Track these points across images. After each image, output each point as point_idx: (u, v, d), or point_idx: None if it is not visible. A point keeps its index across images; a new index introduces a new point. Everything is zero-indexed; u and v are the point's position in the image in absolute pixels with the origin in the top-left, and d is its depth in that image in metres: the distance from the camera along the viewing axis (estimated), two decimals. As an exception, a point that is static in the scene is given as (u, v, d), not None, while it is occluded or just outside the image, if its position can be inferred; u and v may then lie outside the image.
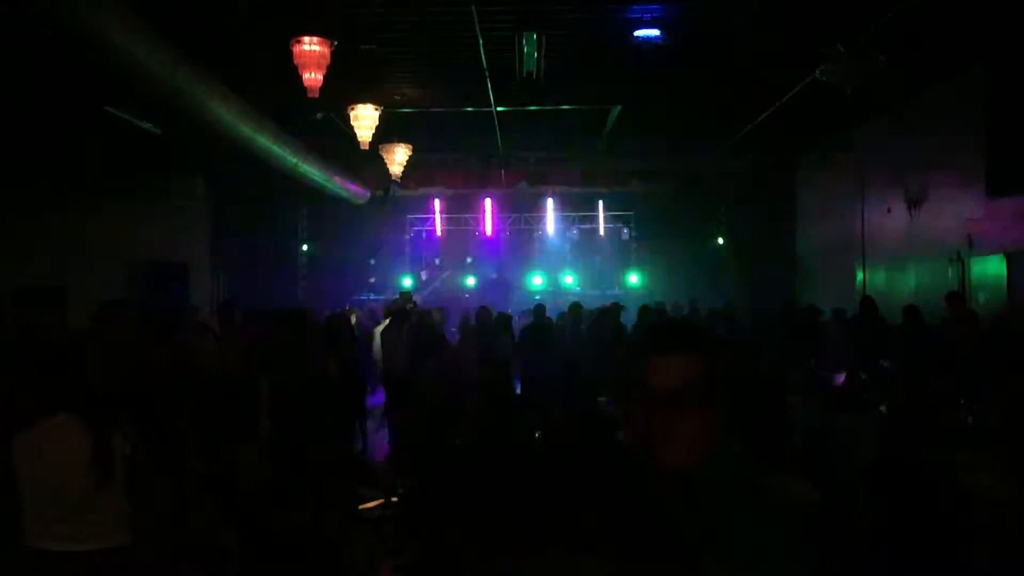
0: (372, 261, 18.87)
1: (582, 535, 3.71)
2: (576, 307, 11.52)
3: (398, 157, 12.79)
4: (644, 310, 11.40)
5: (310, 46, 7.78)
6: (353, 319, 12.86)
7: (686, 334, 1.69)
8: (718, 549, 1.50)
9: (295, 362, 7.36)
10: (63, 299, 13.42)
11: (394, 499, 7.26)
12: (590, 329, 11.11)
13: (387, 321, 10.95)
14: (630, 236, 19.56)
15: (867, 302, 10.29)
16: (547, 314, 11.49)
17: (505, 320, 10.78)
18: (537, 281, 18.86)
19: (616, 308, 11.81)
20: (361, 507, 7.41)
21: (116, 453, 3.37)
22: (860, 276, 13.21)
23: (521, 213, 19.69)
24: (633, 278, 18.83)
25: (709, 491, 1.57)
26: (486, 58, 9.36)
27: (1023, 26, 8.42)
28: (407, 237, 19.86)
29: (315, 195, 15.37)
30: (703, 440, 1.59)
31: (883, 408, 5.87)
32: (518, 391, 9.67)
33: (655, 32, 8.41)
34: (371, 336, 10.86)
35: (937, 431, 4.71)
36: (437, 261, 19.76)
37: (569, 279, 19.34)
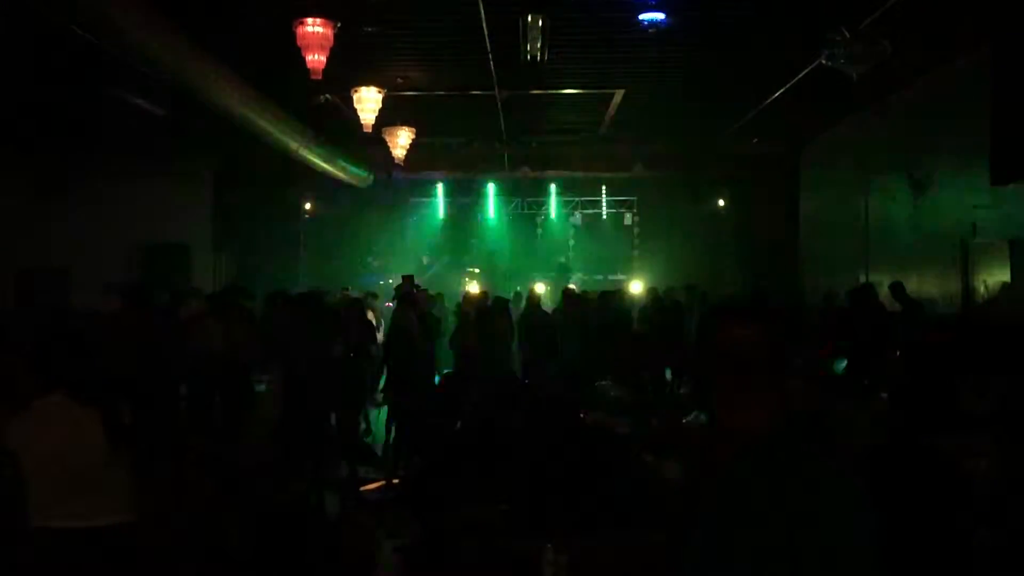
0: (372, 260, 18.85)
1: (584, 516, 3.73)
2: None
3: (401, 140, 12.77)
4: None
5: (313, 28, 7.75)
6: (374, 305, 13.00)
7: (759, 307, 1.84)
8: (789, 513, 1.58)
9: (304, 346, 7.40)
10: (65, 280, 13.51)
11: (395, 481, 7.29)
12: (594, 313, 11.15)
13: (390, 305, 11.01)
14: (633, 221, 19.54)
15: (865, 289, 10.27)
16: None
17: (502, 305, 10.82)
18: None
19: (619, 293, 11.84)
20: (362, 489, 7.45)
21: (124, 421, 3.40)
22: (864, 263, 13.19)
23: (524, 198, 19.68)
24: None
25: (782, 458, 1.67)
26: (490, 41, 9.32)
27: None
28: (409, 220, 19.85)
29: (317, 177, 15.36)
30: (774, 408, 1.71)
31: (883, 394, 5.88)
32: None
33: (660, 16, 8.37)
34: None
35: (938, 416, 4.71)
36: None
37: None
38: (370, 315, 11.56)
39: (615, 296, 11.60)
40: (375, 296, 14.34)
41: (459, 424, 6.09)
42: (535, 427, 4.67)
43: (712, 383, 1.74)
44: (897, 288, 9.80)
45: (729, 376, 1.71)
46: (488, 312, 10.51)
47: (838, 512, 1.58)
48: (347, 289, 14.48)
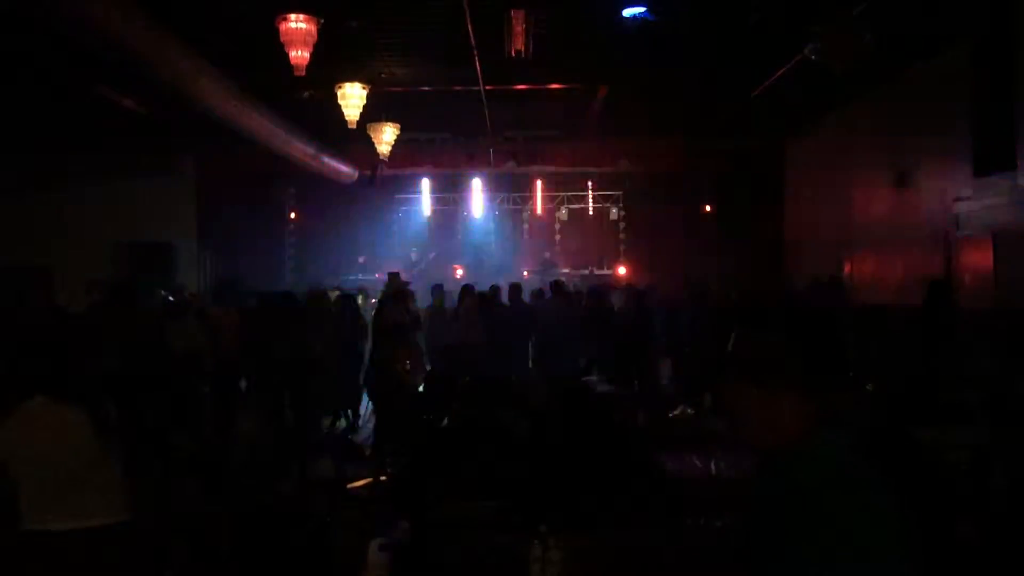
0: (362, 260, 18.78)
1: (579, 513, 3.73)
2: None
3: (386, 136, 12.71)
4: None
5: (296, 24, 7.71)
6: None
7: (767, 313, 1.68)
8: (800, 538, 1.46)
9: (281, 343, 7.37)
10: (48, 279, 13.39)
11: (382, 478, 7.28)
12: (582, 309, 11.16)
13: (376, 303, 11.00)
14: (618, 216, 19.56)
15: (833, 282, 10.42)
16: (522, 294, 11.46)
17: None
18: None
19: (604, 289, 11.84)
20: (349, 486, 7.43)
21: (111, 421, 3.38)
22: (848, 257, 13.25)
23: (509, 193, 19.66)
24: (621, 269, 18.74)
25: (797, 477, 1.53)
26: (474, 36, 9.31)
27: (1009, 2, 8.43)
28: (395, 217, 19.80)
29: (302, 174, 15.30)
30: (786, 424, 1.57)
31: (869, 387, 5.92)
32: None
33: (643, 10, 8.38)
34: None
35: (922, 409, 4.74)
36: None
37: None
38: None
39: (606, 291, 11.59)
40: (363, 294, 14.35)
41: (446, 420, 6.08)
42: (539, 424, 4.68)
43: (725, 392, 1.63)
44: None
45: (742, 386, 1.60)
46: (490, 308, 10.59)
47: (858, 531, 1.43)
48: (334, 289, 14.46)
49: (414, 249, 19.38)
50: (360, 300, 13.30)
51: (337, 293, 12.90)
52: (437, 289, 11.17)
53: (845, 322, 8.85)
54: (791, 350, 1.58)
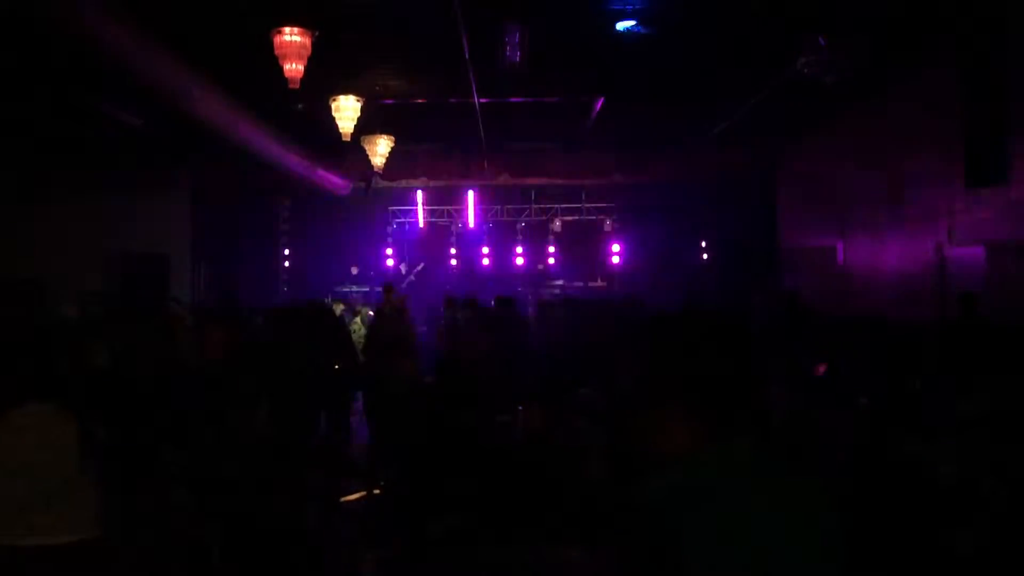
0: (354, 270, 18.74)
1: (566, 525, 3.72)
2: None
3: (380, 149, 12.72)
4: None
5: (291, 37, 7.72)
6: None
7: (641, 332, 1.66)
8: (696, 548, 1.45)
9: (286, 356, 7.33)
10: (41, 291, 13.30)
11: (376, 491, 7.25)
12: (584, 322, 11.15)
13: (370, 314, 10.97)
14: (612, 228, 19.58)
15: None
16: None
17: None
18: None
19: (603, 300, 11.86)
20: (344, 499, 7.40)
21: (97, 437, 3.34)
22: (841, 268, 13.28)
23: (504, 205, 19.68)
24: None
25: (695, 488, 1.50)
26: (469, 49, 9.32)
27: (1001, 13, 8.48)
28: (389, 229, 19.79)
29: (296, 187, 15.29)
30: (673, 438, 1.55)
31: (863, 400, 5.91)
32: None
33: (637, 23, 8.41)
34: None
35: (918, 423, 4.74)
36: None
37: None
38: (359, 325, 11.56)
39: (610, 304, 11.65)
40: (364, 306, 14.32)
41: (442, 432, 6.05)
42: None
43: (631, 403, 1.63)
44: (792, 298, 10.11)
45: (635, 395, 1.61)
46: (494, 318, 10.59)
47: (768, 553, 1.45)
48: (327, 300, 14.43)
49: (403, 263, 19.36)
50: (368, 311, 13.28)
51: (342, 307, 12.90)
52: (451, 302, 11.18)
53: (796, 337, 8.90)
54: (661, 361, 1.58)
